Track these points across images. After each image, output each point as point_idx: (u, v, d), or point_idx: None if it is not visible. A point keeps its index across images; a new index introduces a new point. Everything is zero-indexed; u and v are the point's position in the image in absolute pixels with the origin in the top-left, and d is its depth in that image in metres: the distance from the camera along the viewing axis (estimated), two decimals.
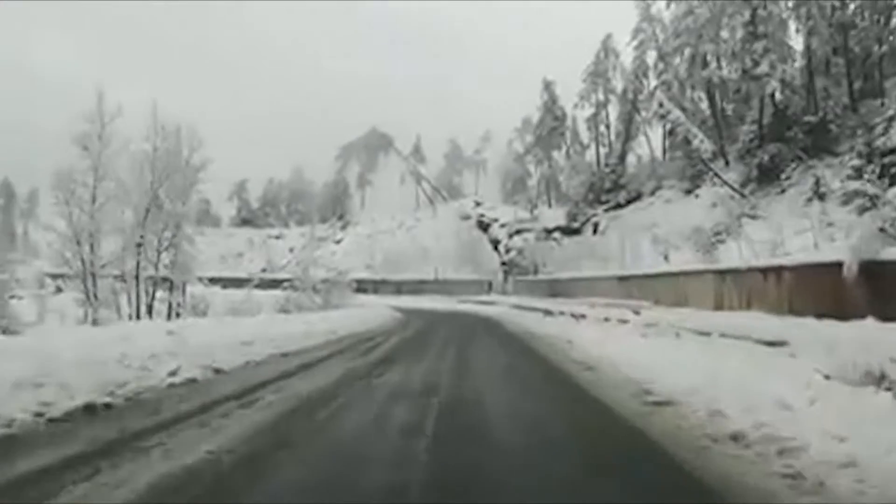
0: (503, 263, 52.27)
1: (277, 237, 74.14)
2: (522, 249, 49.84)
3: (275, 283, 36.72)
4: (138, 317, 21.60)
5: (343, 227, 71.79)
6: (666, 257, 41.31)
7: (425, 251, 58.85)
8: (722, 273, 20.20)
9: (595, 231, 51.52)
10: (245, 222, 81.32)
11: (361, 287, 59.02)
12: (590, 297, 33.31)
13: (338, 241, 68.49)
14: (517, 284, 47.84)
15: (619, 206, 52.76)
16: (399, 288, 55.26)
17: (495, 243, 56.77)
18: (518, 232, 54.68)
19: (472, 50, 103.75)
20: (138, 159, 22.69)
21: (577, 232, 52.91)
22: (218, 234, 77.12)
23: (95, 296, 21.16)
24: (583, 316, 18.86)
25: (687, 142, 40.31)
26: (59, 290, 26.99)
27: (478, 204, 65.66)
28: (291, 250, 70.39)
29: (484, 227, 60.27)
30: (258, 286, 34.98)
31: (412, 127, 77.45)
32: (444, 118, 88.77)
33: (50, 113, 34.47)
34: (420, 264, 57.24)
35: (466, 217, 63.11)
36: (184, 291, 25.37)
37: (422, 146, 75.97)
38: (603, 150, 56.53)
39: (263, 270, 67.56)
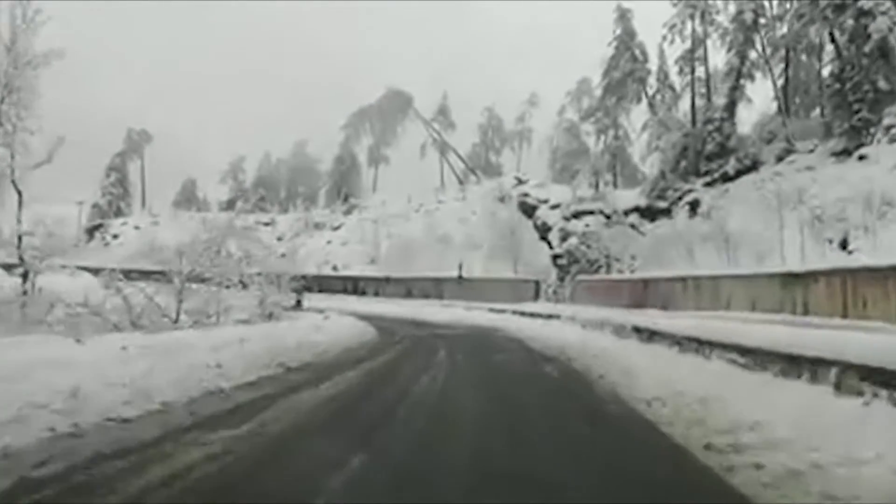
0: (556, 258, 36.17)
1: (267, 223, 58.96)
2: (587, 236, 33.66)
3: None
4: None
5: (347, 212, 56.43)
6: (843, 244, 24.89)
7: (447, 240, 43.08)
8: None
9: (694, 212, 35.18)
10: (234, 206, 66.45)
11: (360, 287, 43.75)
12: (716, 310, 19.36)
13: (336, 228, 53.14)
14: (579, 287, 31.72)
15: (726, 177, 36.35)
16: (409, 288, 39.65)
17: (544, 231, 40.74)
18: (577, 215, 38.51)
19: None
20: None
21: (664, 214, 36.68)
22: (192, 219, 62.70)
23: None
24: None
25: (881, 54, 23.76)
26: None
27: (520, 181, 49.67)
28: (279, 239, 55.36)
29: (528, 210, 44.30)
30: (130, 277, 20.01)
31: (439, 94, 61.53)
32: (480, 85, 71.45)
33: None
34: (440, 258, 41.45)
35: (505, 198, 47.19)
36: (26, 280, 14.88)
37: (449, 108, 60.13)
38: (700, 104, 40.05)
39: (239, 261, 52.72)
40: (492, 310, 27.79)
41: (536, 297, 33.27)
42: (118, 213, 60.23)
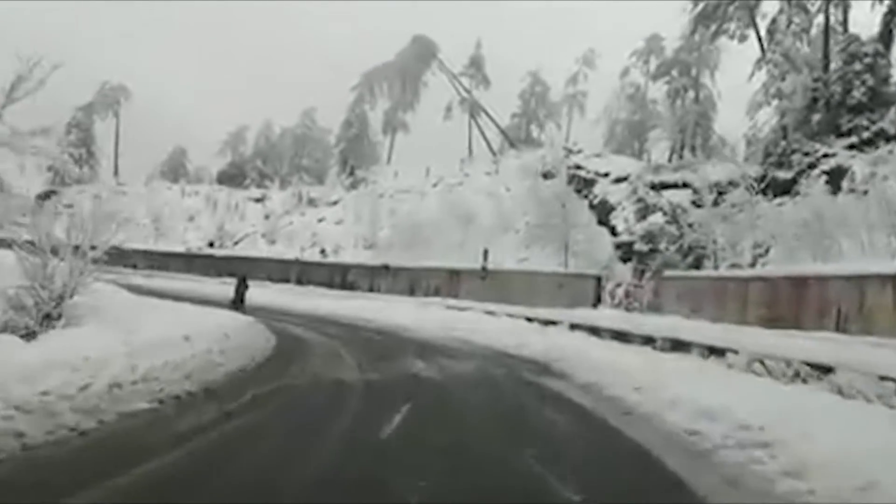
0: (624, 246, 24.79)
1: (258, 199, 48.57)
2: (677, 214, 22.15)
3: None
4: None
5: (352, 186, 45.59)
6: None
7: (471, 221, 31.88)
8: None
9: (836, 186, 23.44)
10: (227, 179, 56.36)
11: (349, 279, 33.00)
12: None
13: (334, 203, 42.20)
14: (664, 287, 20.30)
15: (883, 136, 24.66)
16: (414, 282, 28.65)
17: (604, 212, 29.39)
18: (655, 188, 27.04)
19: None
20: None
21: (788, 186, 25.05)
22: (172, 191, 52.57)
23: None
24: None
25: None
26: None
27: (571, 152, 38.27)
28: (267, 217, 44.83)
29: (582, 185, 32.90)
30: None
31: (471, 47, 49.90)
32: (522, 58, 58.21)
33: None
34: (460, 244, 30.38)
35: (549, 173, 35.55)
36: None
37: (483, 59, 48.61)
38: (833, 42, 28.19)
39: (211, 245, 42.18)
40: (531, 319, 16.59)
41: (597, 300, 21.95)
42: (80, 179, 50.29)
